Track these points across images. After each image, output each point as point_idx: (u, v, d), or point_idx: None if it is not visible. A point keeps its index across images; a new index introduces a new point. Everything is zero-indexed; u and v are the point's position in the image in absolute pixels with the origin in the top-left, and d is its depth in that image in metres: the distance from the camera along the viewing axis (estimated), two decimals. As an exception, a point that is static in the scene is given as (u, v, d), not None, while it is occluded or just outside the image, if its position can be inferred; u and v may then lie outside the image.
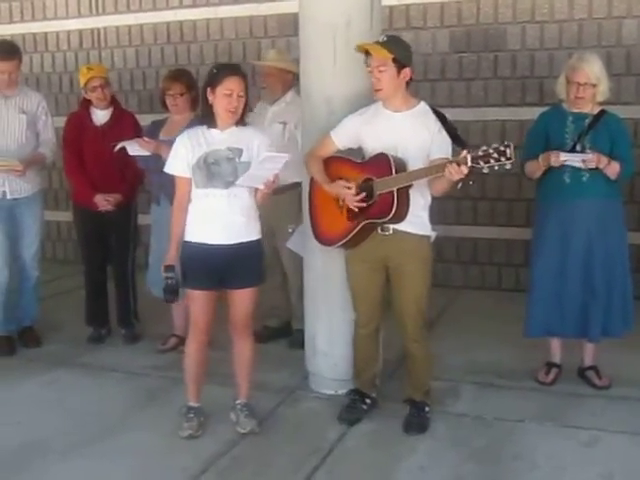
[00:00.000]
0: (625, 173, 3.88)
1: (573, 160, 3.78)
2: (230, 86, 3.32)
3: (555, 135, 3.92)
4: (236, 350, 3.65)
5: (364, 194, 3.41)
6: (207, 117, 3.43)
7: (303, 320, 4.27)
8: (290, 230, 4.46)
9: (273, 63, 4.76)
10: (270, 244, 4.81)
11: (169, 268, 3.43)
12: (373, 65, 3.37)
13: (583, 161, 3.75)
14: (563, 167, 3.85)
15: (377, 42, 3.39)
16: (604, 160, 3.77)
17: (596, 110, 3.90)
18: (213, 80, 3.36)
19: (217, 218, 3.39)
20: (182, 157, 3.40)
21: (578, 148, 3.84)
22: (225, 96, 3.32)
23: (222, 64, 3.63)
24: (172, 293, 3.43)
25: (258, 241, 3.52)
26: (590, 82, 3.79)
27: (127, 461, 3.38)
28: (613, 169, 3.80)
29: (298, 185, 4.33)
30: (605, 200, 3.88)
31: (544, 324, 4.03)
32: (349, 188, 3.44)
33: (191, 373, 3.62)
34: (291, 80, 4.72)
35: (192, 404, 3.65)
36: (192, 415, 3.61)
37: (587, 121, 3.87)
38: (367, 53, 3.39)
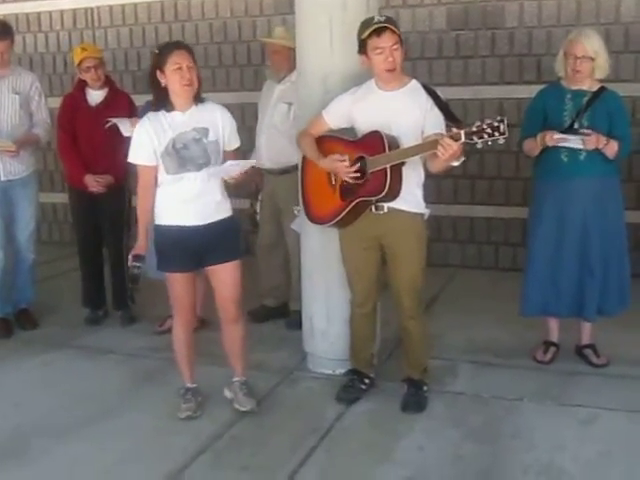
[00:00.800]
0: (623, 152, 3.85)
1: (570, 140, 3.75)
2: (177, 60, 3.24)
3: (553, 113, 3.89)
4: (226, 333, 3.61)
5: (358, 165, 3.38)
6: (163, 101, 3.32)
7: (301, 301, 4.27)
8: (296, 212, 4.43)
9: (280, 41, 4.69)
10: (275, 223, 4.82)
11: (138, 257, 3.36)
12: (386, 45, 3.31)
13: (582, 140, 3.72)
14: (560, 146, 3.82)
15: (383, 22, 3.32)
16: (603, 140, 3.74)
17: (595, 87, 3.87)
18: (159, 61, 3.28)
19: (191, 200, 3.33)
20: (146, 145, 3.30)
21: (576, 126, 3.81)
22: (175, 71, 3.24)
23: (162, 44, 3.53)
24: (135, 282, 3.39)
25: (231, 218, 3.49)
26: (588, 55, 3.75)
27: (125, 442, 3.38)
28: (611, 148, 3.78)
29: None
30: (602, 178, 3.85)
31: (540, 304, 4.03)
32: (342, 161, 3.41)
33: (182, 355, 3.60)
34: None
35: (188, 385, 3.64)
36: (189, 396, 3.61)
37: (585, 98, 3.84)
38: (378, 33, 3.30)
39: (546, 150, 3.86)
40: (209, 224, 3.38)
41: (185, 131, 3.31)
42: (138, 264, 3.35)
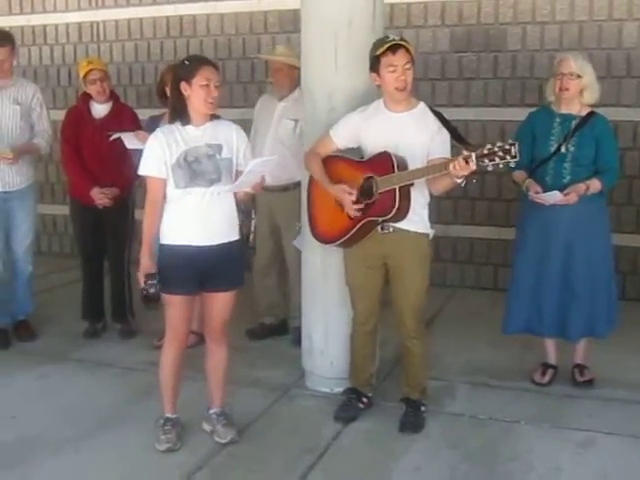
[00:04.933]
0: (608, 183, 3.88)
1: (550, 197, 3.78)
2: (208, 76, 3.18)
3: (541, 137, 3.93)
4: (211, 357, 3.49)
5: (362, 206, 3.40)
6: (180, 113, 3.25)
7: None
8: (297, 228, 4.43)
9: (282, 58, 4.70)
10: (273, 242, 4.83)
11: (151, 276, 3.21)
12: (400, 63, 3.33)
13: (565, 195, 3.75)
14: (545, 169, 3.87)
15: (398, 40, 3.35)
16: (582, 189, 3.77)
17: (584, 112, 3.90)
18: (187, 73, 3.20)
19: (200, 218, 3.24)
20: (158, 157, 3.21)
21: (563, 150, 3.84)
22: (203, 87, 3.17)
23: (192, 55, 3.46)
24: (155, 301, 3.24)
25: (238, 241, 3.40)
26: (574, 72, 3.79)
27: (122, 457, 3.37)
28: (594, 189, 3.81)
29: None
30: (586, 203, 3.83)
31: (522, 321, 4.06)
32: (350, 194, 3.42)
33: (168, 382, 3.43)
34: (299, 77, 4.68)
35: (169, 415, 3.47)
36: (169, 427, 3.44)
37: (574, 122, 3.87)
38: (393, 51, 3.33)
39: (532, 173, 3.90)
40: (215, 245, 3.27)
41: (198, 145, 3.23)
42: (152, 282, 3.20)
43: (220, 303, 3.39)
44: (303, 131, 4.47)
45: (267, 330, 4.93)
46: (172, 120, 3.31)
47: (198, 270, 3.28)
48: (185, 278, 3.26)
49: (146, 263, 3.25)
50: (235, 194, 3.36)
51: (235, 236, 3.38)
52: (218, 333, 3.46)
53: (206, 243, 3.27)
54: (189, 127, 3.27)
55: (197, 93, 3.20)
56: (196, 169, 3.22)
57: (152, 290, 3.22)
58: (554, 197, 3.76)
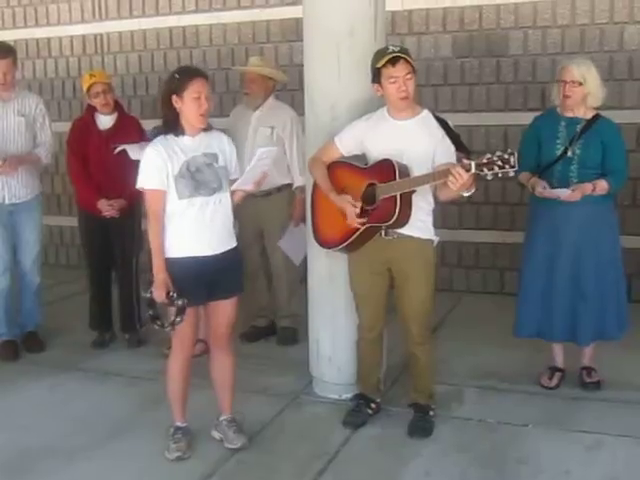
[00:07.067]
0: (616, 185, 3.86)
1: (557, 192, 3.79)
2: (198, 89, 3.20)
3: (546, 140, 3.94)
4: (217, 364, 3.50)
5: (364, 220, 3.42)
6: (173, 125, 3.26)
7: (291, 318, 4.86)
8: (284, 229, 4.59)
9: (256, 69, 4.83)
10: (259, 247, 4.99)
11: (173, 290, 3.18)
12: (400, 74, 3.36)
13: (572, 191, 3.76)
14: (552, 173, 3.88)
15: (397, 51, 3.37)
16: (588, 188, 3.77)
17: (589, 115, 3.91)
18: (178, 86, 3.21)
19: (207, 227, 3.26)
20: (160, 169, 3.21)
21: (569, 154, 3.85)
22: (194, 100, 3.20)
23: (182, 68, 3.50)
24: (181, 315, 3.18)
25: (238, 247, 3.44)
26: (576, 80, 3.80)
27: (132, 465, 3.39)
28: (601, 190, 3.80)
29: (287, 187, 4.70)
30: (594, 205, 3.84)
31: (533, 325, 4.06)
32: (354, 206, 3.43)
33: (176, 392, 3.46)
34: (272, 87, 4.88)
35: (179, 424, 3.50)
36: (180, 435, 3.46)
37: (579, 126, 3.88)
38: (393, 63, 3.35)
39: (538, 177, 3.90)
40: (222, 253, 3.31)
41: (196, 155, 3.27)
42: (178, 295, 3.16)
43: (226, 310, 3.41)
44: (279, 137, 4.73)
45: (260, 332, 5.07)
46: (165, 132, 3.31)
47: (206, 280, 3.28)
48: (194, 290, 3.24)
49: (163, 278, 3.21)
50: (232, 198, 3.39)
51: (235, 242, 3.43)
52: (224, 340, 3.48)
53: (212, 252, 3.29)
54: (184, 138, 3.29)
55: (189, 106, 3.22)
56: (199, 179, 3.24)
57: (181, 304, 3.17)
58: (561, 192, 3.77)
